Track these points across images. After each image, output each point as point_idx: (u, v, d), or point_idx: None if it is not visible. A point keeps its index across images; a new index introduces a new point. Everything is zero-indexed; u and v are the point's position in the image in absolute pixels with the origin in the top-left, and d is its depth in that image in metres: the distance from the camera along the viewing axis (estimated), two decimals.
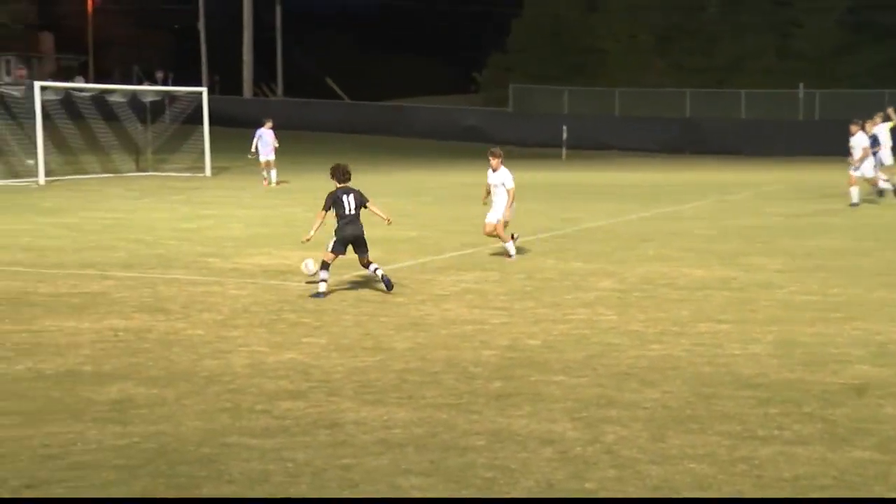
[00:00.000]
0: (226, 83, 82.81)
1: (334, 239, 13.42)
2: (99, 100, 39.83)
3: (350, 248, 13.55)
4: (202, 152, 38.54)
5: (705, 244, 18.55)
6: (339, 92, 76.57)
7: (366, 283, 14.45)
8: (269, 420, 8.00)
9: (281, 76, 80.00)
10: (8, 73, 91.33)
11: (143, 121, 41.12)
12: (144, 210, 24.93)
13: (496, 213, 16.93)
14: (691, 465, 6.96)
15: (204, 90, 40.87)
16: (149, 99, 41.70)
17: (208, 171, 38.01)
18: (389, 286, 13.42)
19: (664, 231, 20.67)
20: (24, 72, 79.11)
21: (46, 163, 33.21)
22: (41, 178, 32.31)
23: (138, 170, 39.38)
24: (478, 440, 7.52)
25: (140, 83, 45.18)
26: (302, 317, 12.01)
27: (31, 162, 33.58)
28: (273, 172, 32.38)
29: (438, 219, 23.35)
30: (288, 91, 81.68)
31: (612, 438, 7.50)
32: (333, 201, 13.38)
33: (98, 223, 21.65)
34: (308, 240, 13.68)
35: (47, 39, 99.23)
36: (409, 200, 27.89)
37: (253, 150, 32.70)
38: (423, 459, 7.10)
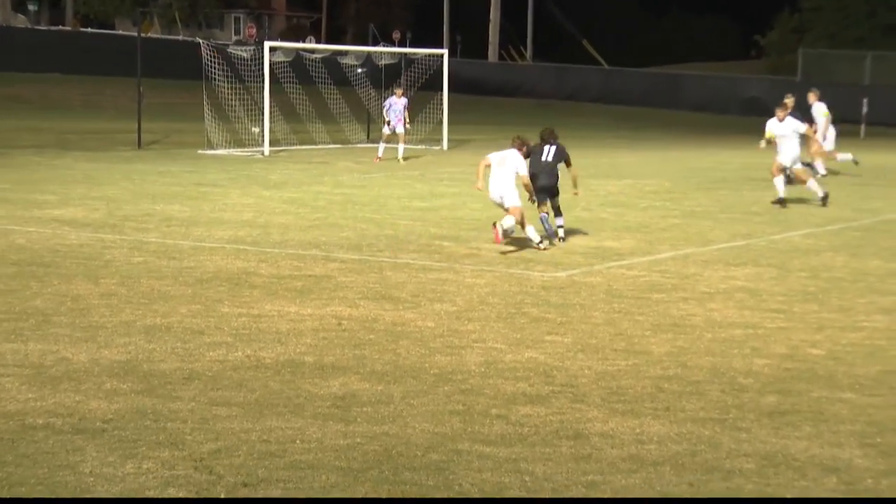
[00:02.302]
0: (469, 45, 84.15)
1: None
2: (330, 62, 41.16)
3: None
4: (440, 122, 39.30)
5: None
6: (598, 56, 76.24)
7: (619, 276, 14.39)
8: (505, 426, 8.09)
9: (531, 38, 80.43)
10: (237, 32, 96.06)
11: (376, 86, 42.24)
12: (375, 186, 25.67)
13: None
14: None
15: (445, 52, 41.59)
16: (384, 62, 42.78)
17: (445, 144, 38.72)
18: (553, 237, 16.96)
19: None
20: (253, 30, 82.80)
21: (272, 131, 34.71)
22: (266, 149, 33.81)
23: (369, 140, 40.61)
24: (746, 463, 7.35)
25: (375, 44, 46.27)
26: (545, 311, 12.08)
27: (256, 130, 35.19)
28: (401, 147, 32.70)
29: (707, 204, 22.95)
30: (538, 55, 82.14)
31: None
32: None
33: (325, 199, 22.47)
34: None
35: None
36: (673, 182, 27.53)
37: (387, 122, 33.16)
38: (680, 481, 7.00)
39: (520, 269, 14.70)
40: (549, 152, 17.17)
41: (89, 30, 79.12)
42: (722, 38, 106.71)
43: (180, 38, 76.89)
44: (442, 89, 39.51)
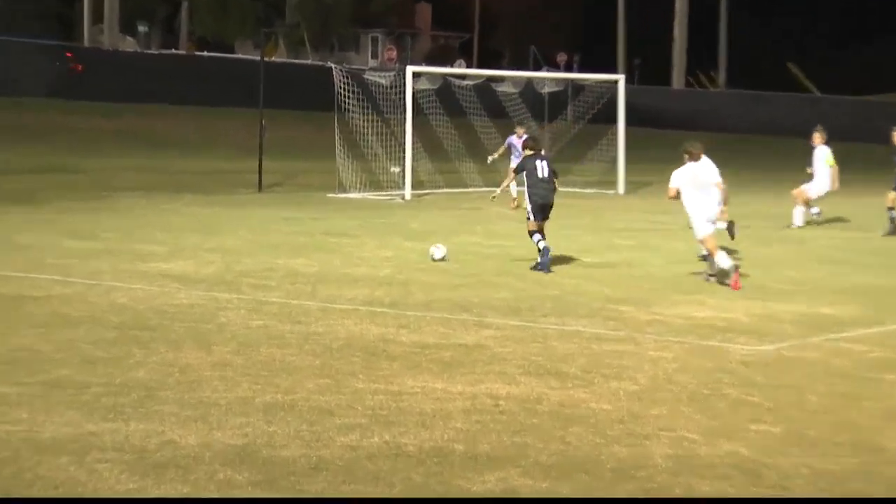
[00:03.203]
0: (649, 69, 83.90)
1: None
2: (484, 90, 41.45)
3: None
4: (614, 161, 39.13)
5: None
6: (807, 82, 75.20)
7: (841, 350, 13.99)
8: None
9: (724, 60, 79.82)
10: (374, 55, 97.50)
11: (538, 117, 42.34)
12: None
13: None
14: None
15: (620, 79, 41.45)
16: (547, 89, 42.91)
17: (621, 188, 38.49)
18: (541, 268, 19.41)
19: None
20: (394, 53, 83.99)
21: (414, 171, 34.96)
22: (407, 192, 34.03)
23: None
24: None
25: (537, 69, 46.37)
26: (748, 393, 11.80)
27: (396, 170, 35.48)
28: (510, 187, 32.31)
29: None
30: (732, 81, 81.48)
31: None
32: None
33: (477, 251, 22.42)
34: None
35: (424, 12, 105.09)
36: None
37: (490, 158, 33.71)
38: None
39: (715, 341, 14.39)
40: (543, 168, 19.90)
41: (206, 54, 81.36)
42: None
43: (309, 62, 78.53)
44: (616, 121, 39.37)
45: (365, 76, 37.92)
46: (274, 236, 23.98)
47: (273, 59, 73.94)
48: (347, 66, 45.81)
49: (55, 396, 10.95)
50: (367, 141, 36.12)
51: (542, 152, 20.73)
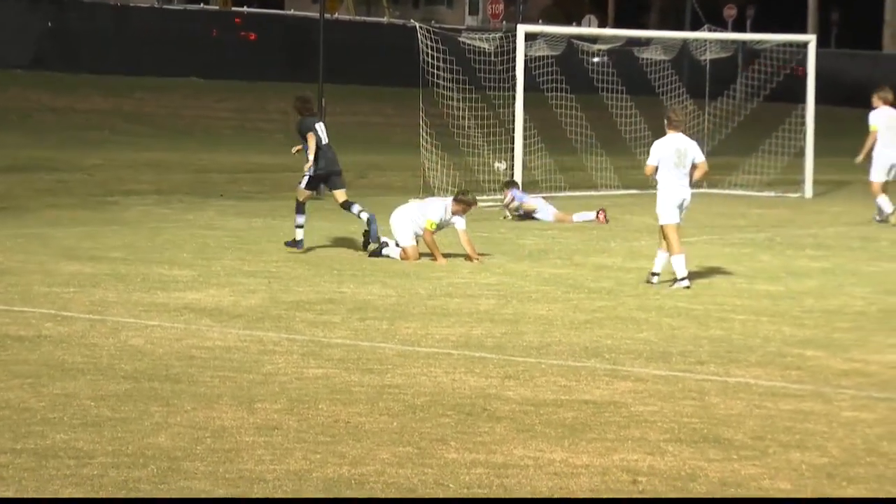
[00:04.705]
0: (850, 28, 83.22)
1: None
2: (623, 57, 41.34)
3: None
4: (800, 154, 38.88)
5: None
6: None
7: None
8: None
9: None
10: (473, 10, 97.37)
11: (696, 94, 42.16)
12: (691, 257, 25.53)
13: None
14: None
15: (811, 40, 41.14)
16: (709, 55, 42.69)
17: (809, 189, 38.27)
18: (370, 241, 23.73)
19: None
20: (500, 7, 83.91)
21: (527, 167, 34.94)
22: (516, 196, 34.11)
23: None
24: None
25: (696, 27, 46.20)
26: None
27: (502, 166, 35.56)
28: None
29: None
30: None
31: None
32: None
33: (613, 277, 22.46)
34: None
35: None
36: None
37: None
38: None
39: None
40: None
41: (245, 9, 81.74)
42: None
43: (384, 20, 78.85)
44: (805, 99, 39.09)
45: (461, 39, 37.96)
46: (336, 256, 24.16)
47: (336, 15, 74.32)
48: (437, 25, 45.98)
49: (49, 469, 11.10)
50: (463, 126, 36.04)
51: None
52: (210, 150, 45.61)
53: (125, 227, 27.33)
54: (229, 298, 19.53)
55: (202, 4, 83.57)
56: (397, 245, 24.15)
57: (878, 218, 32.09)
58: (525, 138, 34.86)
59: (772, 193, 38.05)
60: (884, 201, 32.28)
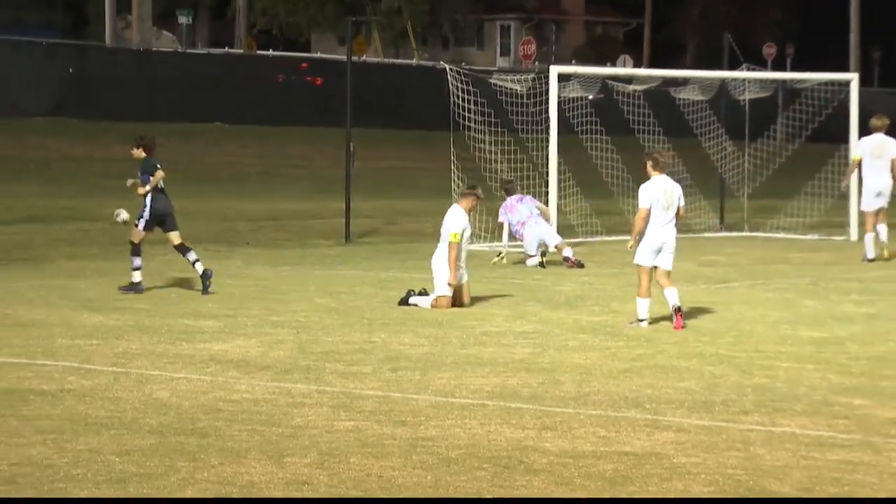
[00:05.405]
0: (891, 67, 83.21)
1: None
2: (659, 98, 41.33)
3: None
4: (844, 195, 38.81)
5: None
6: None
7: None
8: None
9: None
10: (505, 50, 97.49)
11: (735, 136, 42.13)
12: (732, 300, 25.48)
13: None
14: None
15: (853, 78, 41.11)
16: (748, 95, 42.67)
17: (854, 232, 38.20)
18: (206, 281, 24.74)
19: None
20: (532, 47, 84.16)
21: (562, 212, 34.93)
22: (551, 240, 34.10)
23: (723, 225, 40.43)
24: None
25: (735, 66, 46.07)
26: None
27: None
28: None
29: None
30: None
31: None
32: None
33: (652, 324, 22.43)
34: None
35: None
36: None
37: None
38: None
39: None
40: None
41: (270, 52, 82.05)
42: None
43: (413, 62, 79.03)
44: (847, 139, 39.03)
45: (492, 80, 38.01)
46: (366, 305, 24.20)
47: (364, 58, 74.61)
48: (467, 66, 46.10)
49: None
50: (495, 170, 36.07)
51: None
52: (236, 198, 45.67)
53: (147, 276, 27.32)
54: (257, 349, 19.56)
55: (227, 49, 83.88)
56: (430, 292, 24.01)
57: (866, 258, 32.15)
58: (559, 181, 34.85)
59: (815, 236, 37.98)
60: (870, 244, 32.21)
